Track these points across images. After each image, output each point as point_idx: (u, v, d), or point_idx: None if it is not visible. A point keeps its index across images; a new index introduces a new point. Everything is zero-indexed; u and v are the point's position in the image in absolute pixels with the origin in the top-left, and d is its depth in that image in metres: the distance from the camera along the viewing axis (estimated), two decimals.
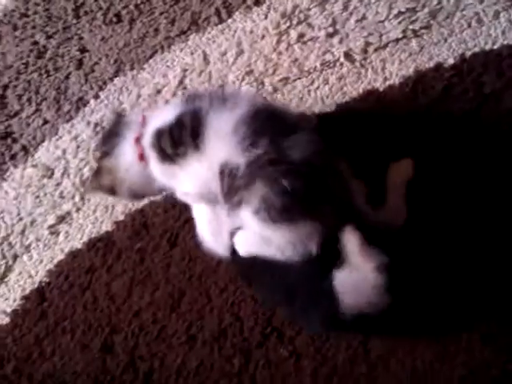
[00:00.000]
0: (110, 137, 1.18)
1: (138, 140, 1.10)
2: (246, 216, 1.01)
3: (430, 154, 1.26)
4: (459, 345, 1.18)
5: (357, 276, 1.03)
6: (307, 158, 0.96)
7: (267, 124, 1.01)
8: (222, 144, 0.99)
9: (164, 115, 1.08)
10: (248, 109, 1.02)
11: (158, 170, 1.09)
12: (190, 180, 1.08)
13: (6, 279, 1.44)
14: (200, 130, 1.00)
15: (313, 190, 0.98)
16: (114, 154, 1.15)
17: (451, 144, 1.28)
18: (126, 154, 1.13)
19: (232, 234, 1.12)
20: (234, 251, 1.14)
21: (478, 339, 1.18)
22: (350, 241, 1.05)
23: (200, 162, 1.02)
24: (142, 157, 1.10)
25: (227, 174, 1.00)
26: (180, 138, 1.01)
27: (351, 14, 1.41)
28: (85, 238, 1.43)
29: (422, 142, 1.28)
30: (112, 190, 1.19)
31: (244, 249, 1.10)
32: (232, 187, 1.00)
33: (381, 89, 1.35)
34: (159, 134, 1.05)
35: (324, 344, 1.23)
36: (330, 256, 1.04)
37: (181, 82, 1.46)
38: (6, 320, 1.40)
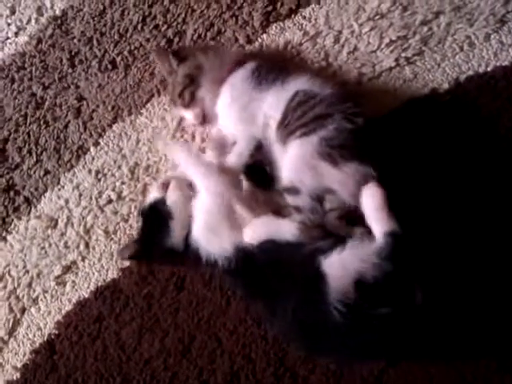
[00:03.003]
0: None
1: None
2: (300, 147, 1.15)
3: (430, 180, 1.25)
4: (477, 373, 1.15)
5: (346, 254, 1.05)
6: None
7: None
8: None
9: None
10: None
11: None
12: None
13: (14, 333, 1.44)
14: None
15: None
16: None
17: (452, 169, 1.26)
18: None
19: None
20: (232, 262, 1.16)
21: (496, 366, 1.15)
22: (370, 197, 1.08)
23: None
24: None
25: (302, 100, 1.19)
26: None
27: (343, 46, 1.41)
28: (92, 287, 1.43)
29: (423, 168, 1.26)
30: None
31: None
32: (307, 114, 1.16)
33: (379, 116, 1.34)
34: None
35: (339, 381, 1.21)
36: None
37: (179, 123, 1.46)
38: (16, 375, 1.40)
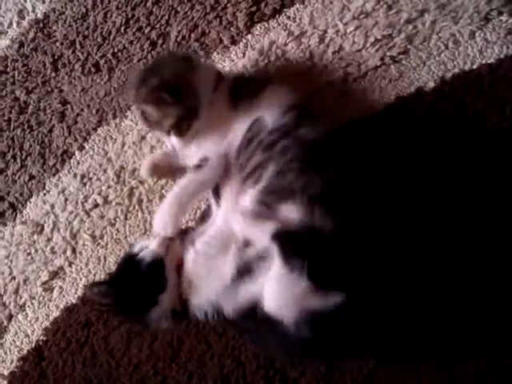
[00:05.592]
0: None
1: None
2: None
3: (418, 180, 1.24)
4: (467, 371, 1.16)
5: (270, 287, 1.02)
6: None
7: None
8: None
9: None
10: None
11: None
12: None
13: (1, 341, 1.43)
14: None
15: None
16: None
17: (440, 167, 1.26)
18: None
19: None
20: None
21: (485, 364, 1.15)
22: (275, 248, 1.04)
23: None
24: None
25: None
26: None
27: (328, 45, 1.40)
28: (79, 293, 1.42)
29: (410, 168, 1.26)
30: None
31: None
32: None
33: (363, 118, 1.33)
34: None
35: (329, 383, 1.20)
36: None
37: None
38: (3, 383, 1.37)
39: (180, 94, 1.14)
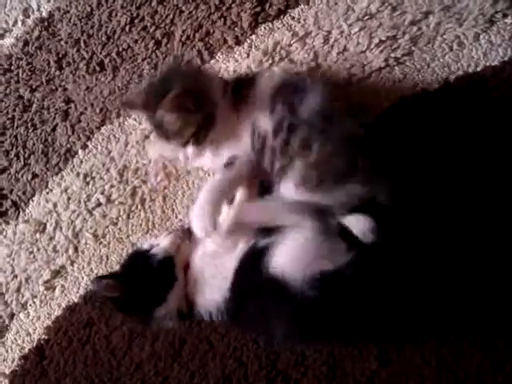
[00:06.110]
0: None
1: None
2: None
3: (421, 184, 1.24)
4: (470, 372, 1.15)
5: (290, 243, 1.05)
6: None
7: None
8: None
9: None
10: None
11: None
12: None
13: (2, 339, 1.43)
14: None
15: None
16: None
17: (443, 171, 1.26)
18: None
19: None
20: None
21: (489, 365, 1.15)
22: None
23: None
24: None
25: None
26: None
27: (332, 46, 1.40)
28: (81, 292, 1.42)
29: (413, 171, 1.26)
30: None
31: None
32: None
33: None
34: None
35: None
36: None
37: None
38: (4, 382, 1.39)
39: (201, 101, 1.14)
